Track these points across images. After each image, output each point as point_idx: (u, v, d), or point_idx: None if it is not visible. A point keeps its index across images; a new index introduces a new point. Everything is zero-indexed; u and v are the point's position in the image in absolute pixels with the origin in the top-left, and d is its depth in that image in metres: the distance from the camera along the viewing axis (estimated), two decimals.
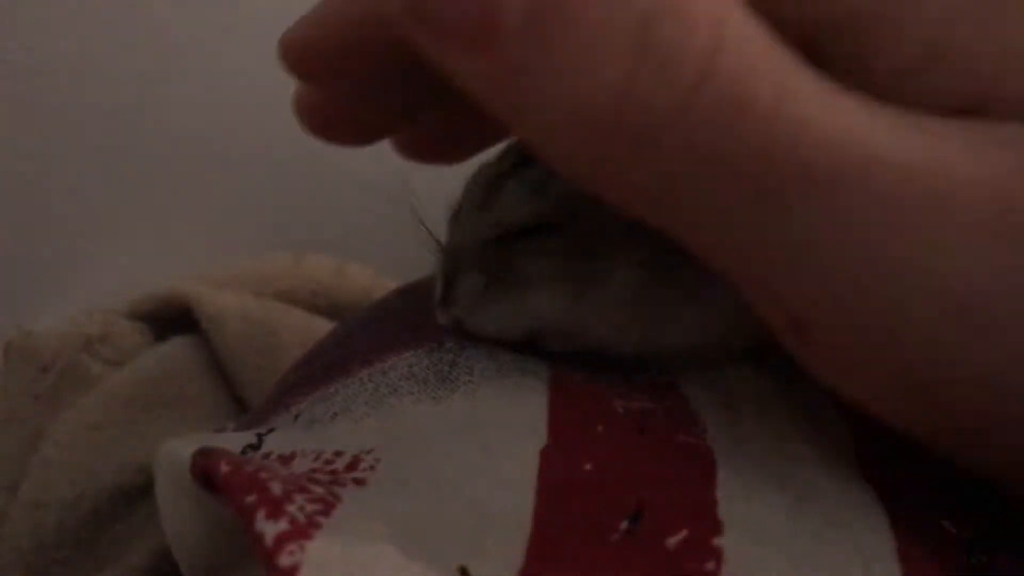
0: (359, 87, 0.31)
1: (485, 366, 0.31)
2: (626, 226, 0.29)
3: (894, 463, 0.28)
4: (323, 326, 0.57)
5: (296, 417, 0.33)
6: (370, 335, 0.37)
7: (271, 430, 0.32)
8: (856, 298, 0.22)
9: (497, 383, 0.30)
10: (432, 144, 0.35)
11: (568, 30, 0.22)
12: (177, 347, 0.54)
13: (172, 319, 0.56)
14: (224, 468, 0.25)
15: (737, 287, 0.25)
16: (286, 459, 0.29)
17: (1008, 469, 0.25)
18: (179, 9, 0.63)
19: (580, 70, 0.22)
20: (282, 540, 0.22)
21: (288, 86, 0.70)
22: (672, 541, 0.23)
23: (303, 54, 0.30)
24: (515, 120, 0.24)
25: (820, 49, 0.24)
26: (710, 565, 0.23)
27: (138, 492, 0.45)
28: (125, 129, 0.62)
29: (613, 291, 0.31)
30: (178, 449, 0.28)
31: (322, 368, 0.35)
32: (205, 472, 0.25)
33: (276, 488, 0.24)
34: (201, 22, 0.65)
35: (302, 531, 0.23)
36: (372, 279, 0.67)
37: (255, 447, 0.30)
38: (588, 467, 0.25)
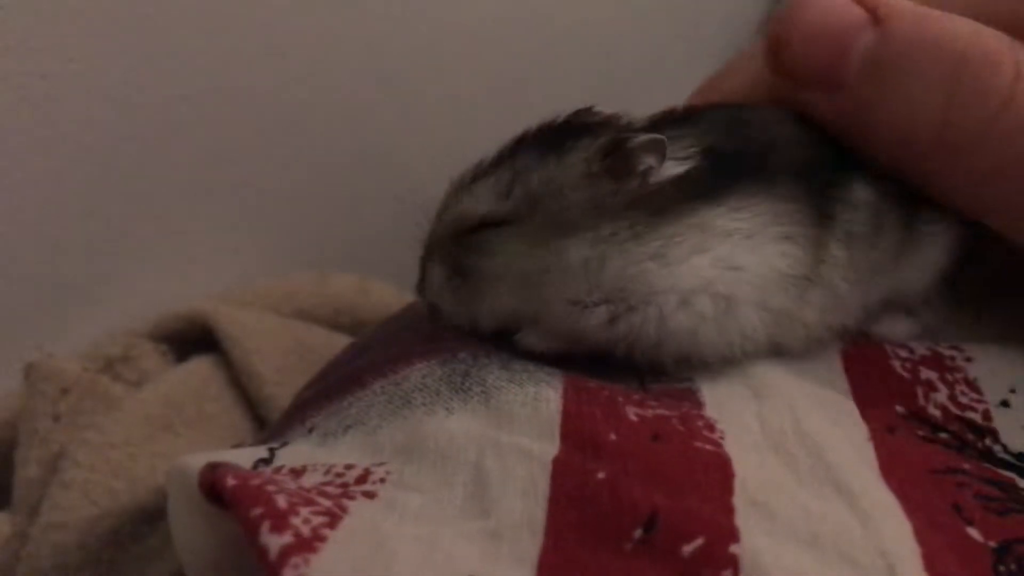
0: None
1: (498, 376, 0.31)
2: (588, 208, 0.31)
3: (913, 468, 0.27)
4: (345, 343, 0.57)
5: (310, 431, 0.32)
6: (385, 348, 0.36)
7: (284, 444, 0.32)
8: None
9: (510, 393, 0.30)
10: None
11: (898, 72, 0.30)
12: (197, 366, 0.54)
13: (193, 339, 0.56)
14: (230, 481, 0.25)
15: None
16: (297, 472, 0.28)
17: None
18: (197, 28, 0.64)
19: (908, 102, 0.30)
20: (287, 553, 0.22)
21: (311, 104, 0.70)
22: (687, 549, 0.23)
23: None
24: (862, 142, 0.33)
25: None
26: (727, 573, 0.22)
27: (157, 512, 0.44)
28: (145, 149, 0.62)
29: (572, 268, 0.31)
30: (188, 464, 0.28)
31: (337, 382, 0.35)
32: (212, 485, 0.25)
33: (281, 501, 0.24)
34: (218, 43, 0.66)
35: (307, 544, 0.22)
36: (395, 296, 0.67)
37: (267, 461, 0.30)
38: (601, 475, 0.25)
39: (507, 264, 0.33)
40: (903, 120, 0.31)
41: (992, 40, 0.30)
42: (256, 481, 0.25)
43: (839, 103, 0.32)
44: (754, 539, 0.23)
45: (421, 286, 0.37)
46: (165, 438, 0.47)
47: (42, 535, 0.42)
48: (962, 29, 0.30)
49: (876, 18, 0.31)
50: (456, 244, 0.35)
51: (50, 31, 0.55)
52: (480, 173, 0.35)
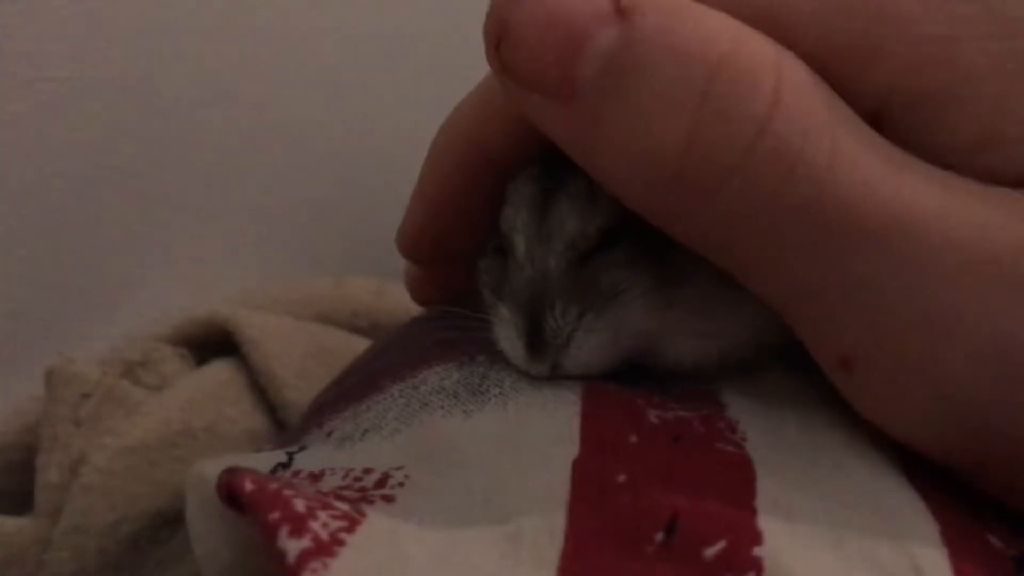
0: (457, 263, 0.38)
1: (516, 378, 0.31)
2: None
3: (940, 473, 0.27)
4: (363, 347, 0.57)
5: (329, 435, 0.32)
6: (402, 351, 0.36)
7: (302, 448, 0.32)
8: (898, 339, 0.24)
9: (528, 395, 0.29)
10: None
11: (640, 83, 0.24)
12: (217, 370, 0.54)
13: (213, 343, 0.56)
14: (249, 486, 0.24)
15: (790, 323, 0.27)
16: (316, 477, 0.28)
17: None
18: (211, 34, 0.64)
19: (647, 121, 0.24)
20: (305, 557, 0.22)
21: (329, 108, 0.70)
22: (709, 552, 0.22)
23: (415, 247, 0.37)
24: (590, 165, 0.27)
25: (885, 121, 0.25)
26: None
27: (177, 516, 0.44)
28: (163, 154, 0.62)
29: (698, 291, 0.30)
30: (207, 469, 0.28)
31: (355, 385, 0.35)
32: (230, 490, 0.25)
33: (300, 505, 0.23)
34: (234, 47, 0.66)
35: (325, 548, 0.22)
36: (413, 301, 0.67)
37: (285, 466, 0.30)
38: (621, 478, 0.25)
39: (644, 274, 0.30)
40: (639, 145, 0.25)
41: (756, 47, 0.24)
42: (274, 485, 0.25)
43: (569, 116, 0.26)
44: (778, 541, 0.23)
45: (538, 348, 0.30)
46: (185, 442, 0.47)
47: (63, 539, 0.42)
48: (723, 32, 0.24)
49: (619, 10, 0.24)
50: (579, 272, 0.31)
51: (65, 36, 0.56)
52: (545, 198, 0.32)
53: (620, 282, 0.30)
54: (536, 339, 0.30)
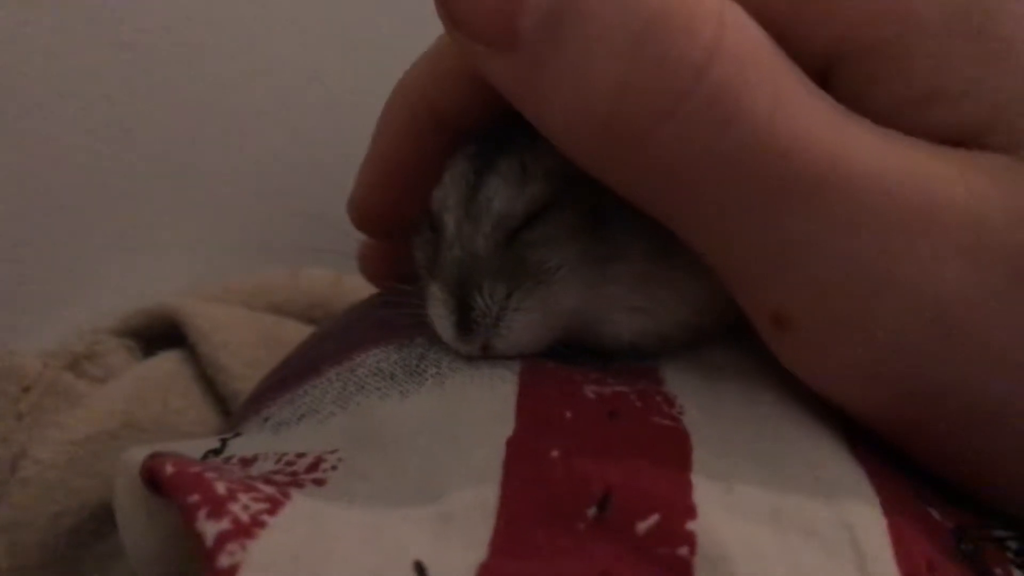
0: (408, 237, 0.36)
1: (454, 358, 0.30)
2: None
3: (882, 446, 0.26)
4: None
5: (265, 420, 0.32)
6: (342, 336, 0.36)
7: (237, 435, 0.31)
8: (833, 295, 0.24)
9: (466, 374, 0.29)
10: None
11: (579, 30, 0.24)
12: (163, 361, 0.53)
13: (161, 334, 0.55)
14: (169, 469, 0.24)
15: (724, 280, 0.26)
16: (247, 462, 0.27)
17: (973, 469, 0.26)
18: (167, 23, 0.63)
19: (583, 67, 0.24)
20: (223, 539, 0.21)
21: (284, 97, 0.69)
22: (642, 526, 0.22)
23: (366, 213, 0.38)
24: (534, 116, 0.26)
25: (827, 76, 0.25)
26: (683, 551, 0.21)
27: None
28: (116, 146, 0.61)
29: (633, 267, 0.30)
30: (133, 456, 0.27)
31: (293, 372, 0.34)
32: (152, 474, 0.24)
33: (220, 488, 0.23)
34: (189, 37, 0.65)
35: (245, 530, 0.21)
36: (370, 290, 0.66)
37: (217, 452, 0.29)
38: (555, 454, 0.24)
39: (574, 250, 0.30)
40: (575, 91, 0.24)
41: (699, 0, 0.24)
42: (195, 469, 0.24)
43: (513, 66, 0.25)
44: (712, 515, 0.22)
45: (466, 328, 0.30)
46: (129, 434, 0.46)
47: (1, 534, 0.41)
48: None
49: None
50: (508, 251, 0.30)
51: (13, 23, 0.55)
52: (477, 177, 0.31)
53: (547, 260, 0.30)
54: (465, 318, 0.30)
